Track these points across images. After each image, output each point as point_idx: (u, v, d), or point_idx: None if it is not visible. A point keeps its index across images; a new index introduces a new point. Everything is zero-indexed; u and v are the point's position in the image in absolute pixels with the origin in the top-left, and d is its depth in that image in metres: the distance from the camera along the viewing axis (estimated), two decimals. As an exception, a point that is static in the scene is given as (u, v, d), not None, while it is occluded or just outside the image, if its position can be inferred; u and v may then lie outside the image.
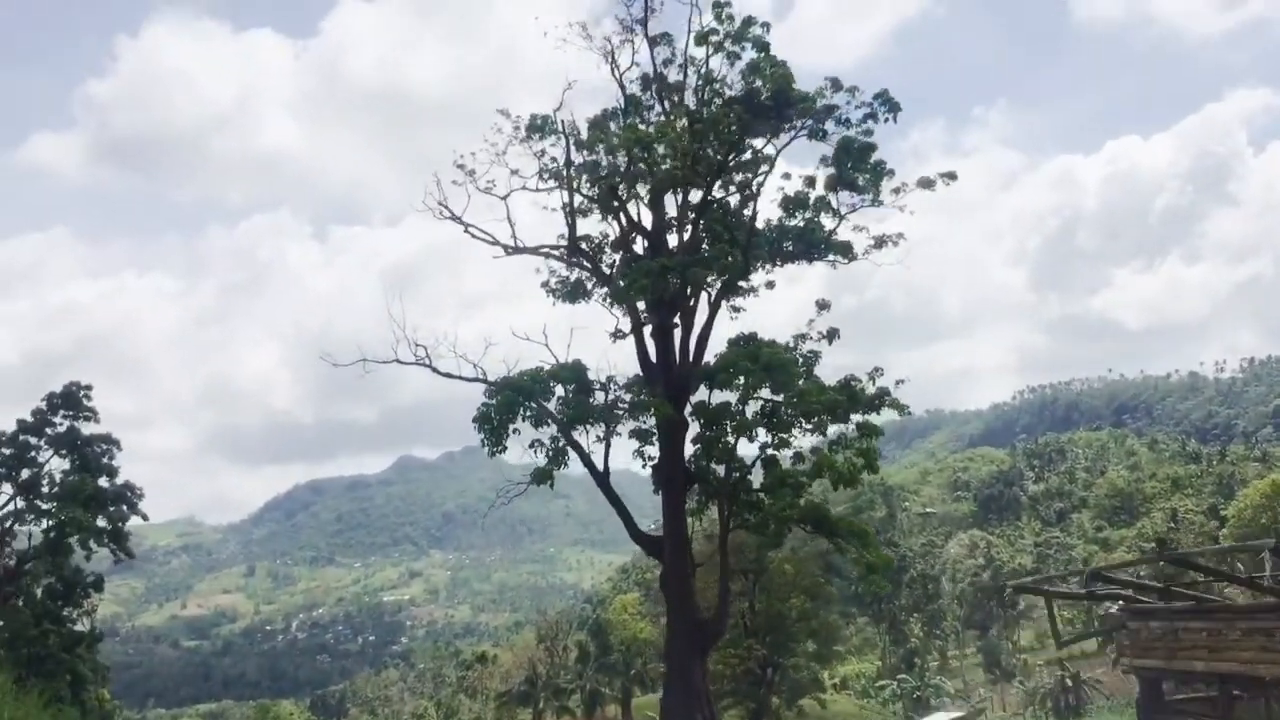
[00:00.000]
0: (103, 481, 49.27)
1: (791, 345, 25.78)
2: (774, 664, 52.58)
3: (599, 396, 24.80)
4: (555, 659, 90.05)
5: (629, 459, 25.52)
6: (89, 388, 50.53)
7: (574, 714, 75.48)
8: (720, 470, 24.67)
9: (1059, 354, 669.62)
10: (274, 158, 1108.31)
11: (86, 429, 50.42)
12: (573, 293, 26.87)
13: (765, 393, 24.01)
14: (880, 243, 26.07)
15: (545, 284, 27.44)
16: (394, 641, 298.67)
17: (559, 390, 24.27)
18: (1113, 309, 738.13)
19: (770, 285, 27.62)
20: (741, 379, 23.76)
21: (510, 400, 23.79)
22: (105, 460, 49.76)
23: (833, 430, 24.05)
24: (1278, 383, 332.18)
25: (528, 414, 23.91)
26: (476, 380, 25.02)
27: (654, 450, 25.71)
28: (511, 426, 23.86)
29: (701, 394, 24.90)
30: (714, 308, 26.11)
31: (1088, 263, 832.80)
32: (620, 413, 24.70)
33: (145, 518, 50.61)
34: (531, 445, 24.06)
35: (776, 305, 29.14)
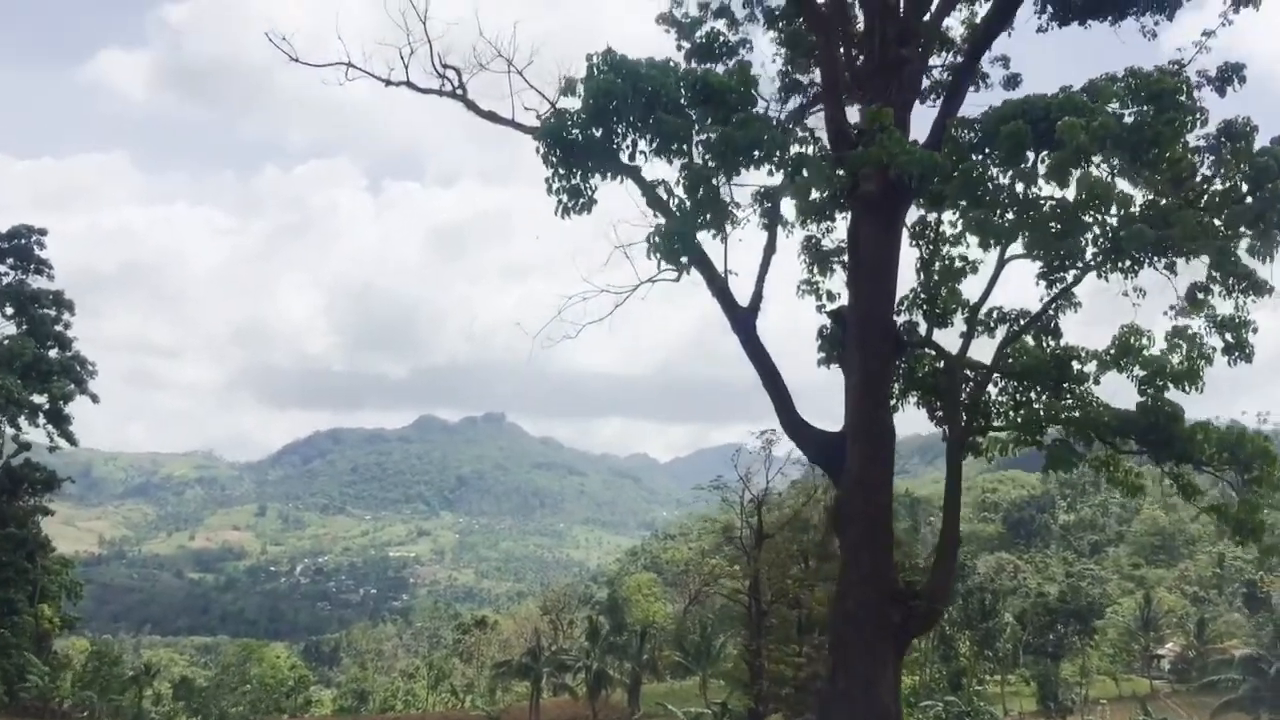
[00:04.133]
0: (51, 352, 40.85)
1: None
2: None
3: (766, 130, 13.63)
4: (559, 632, 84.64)
5: (790, 298, 15.24)
6: (43, 232, 41.42)
7: (575, 694, 68.34)
8: (942, 334, 14.47)
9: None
10: (340, 103, 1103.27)
11: (36, 284, 41.87)
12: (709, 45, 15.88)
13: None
14: None
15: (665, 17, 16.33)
16: (395, 597, 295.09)
17: (692, 119, 13.58)
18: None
19: (1014, 81, 16.58)
20: (1066, 138, 12.33)
21: (613, 90, 13.08)
22: (57, 327, 41.12)
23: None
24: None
25: (640, 128, 13.24)
26: (537, 131, 14.32)
27: (836, 285, 15.28)
28: (600, 163, 13.46)
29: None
30: (975, 53, 15.34)
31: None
32: (807, 175, 13.31)
33: (95, 399, 42.35)
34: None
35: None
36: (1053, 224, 13.52)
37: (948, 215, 14.93)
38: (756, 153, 13.30)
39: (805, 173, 13.30)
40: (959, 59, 16.35)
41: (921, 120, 14.66)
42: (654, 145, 13.95)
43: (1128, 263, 13.76)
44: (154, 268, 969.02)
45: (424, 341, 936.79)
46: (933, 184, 13.21)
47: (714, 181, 13.61)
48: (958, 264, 15.10)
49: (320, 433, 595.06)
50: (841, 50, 15.70)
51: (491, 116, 15.08)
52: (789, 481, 47.36)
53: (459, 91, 15.13)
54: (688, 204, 13.78)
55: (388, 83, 15.07)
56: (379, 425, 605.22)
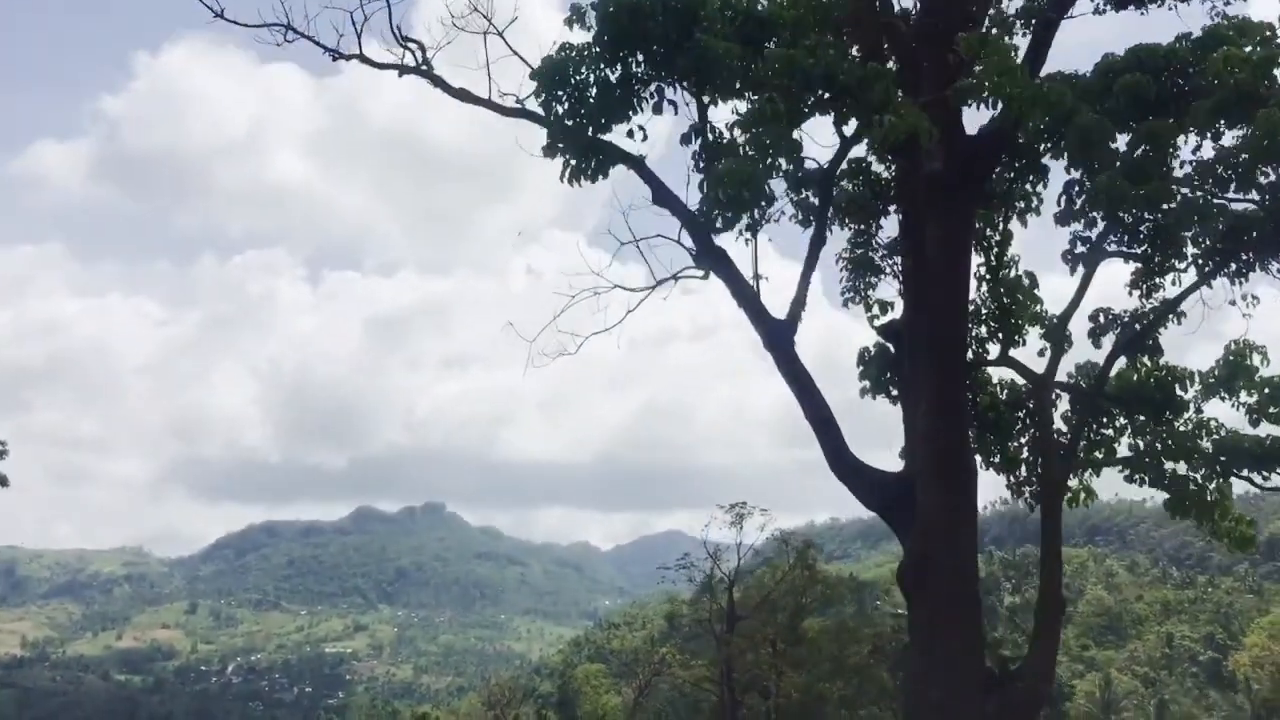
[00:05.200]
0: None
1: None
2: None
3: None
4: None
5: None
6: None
7: (522, 795, 64.86)
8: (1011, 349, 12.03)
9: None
10: (279, 193, 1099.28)
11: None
12: None
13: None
14: None
15: None
16: (331, 695, 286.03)
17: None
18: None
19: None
20: (1219, 77, 10.15)
21: (638, 7, 10.38)
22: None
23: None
24: (1264, 520, 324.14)
25: (672, 61, 10.57)
26: (519, 113, 11.89)
27: (885, 293, 12.58)
28: (637, 102, 10.72)
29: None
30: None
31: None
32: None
33: (4, 482, 38.90)
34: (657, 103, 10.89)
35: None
36: (1215, 183, 11.08)
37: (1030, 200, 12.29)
38: (831, 87, 10.28)
39: (895, 113, 10.16)
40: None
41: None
42: (693, 82, 11.06)
43: (1234, 266, 11.44)
44: (85, 360, 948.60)
45: (362, 432, 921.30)
46: (1054, 135, 10.46)
47: (779, 126, 10.44)
48: (1069, 255, 12.11)
49: (254, 526, 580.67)
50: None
51: (463, 95, 12.21)
52: (762, 559, 45.02)
53: (423, 66, 12.31)
54: (750, 149, 10.68)
55: (335, 55, 12.30)
56: (315, 517, 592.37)
